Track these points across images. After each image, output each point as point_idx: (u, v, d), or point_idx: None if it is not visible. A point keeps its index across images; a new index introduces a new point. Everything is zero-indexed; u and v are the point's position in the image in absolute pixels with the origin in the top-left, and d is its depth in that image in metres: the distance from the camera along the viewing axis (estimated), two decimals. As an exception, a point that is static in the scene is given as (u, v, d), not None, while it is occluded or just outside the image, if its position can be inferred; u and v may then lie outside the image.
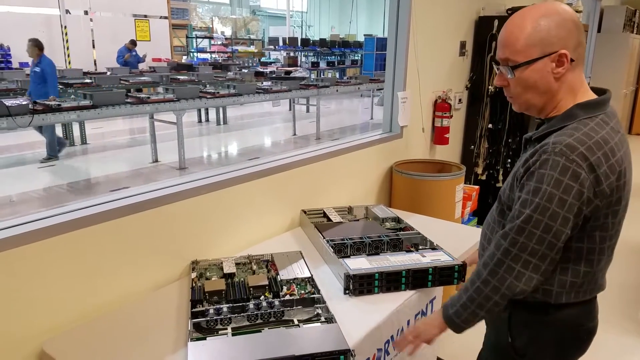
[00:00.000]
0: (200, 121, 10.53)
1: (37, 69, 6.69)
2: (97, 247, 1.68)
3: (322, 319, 1.57)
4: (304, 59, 19.01)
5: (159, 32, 15.84)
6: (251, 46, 20.65)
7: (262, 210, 2.32)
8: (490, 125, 4.10)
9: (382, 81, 9.71)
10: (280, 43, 17.85)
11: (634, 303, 3.37)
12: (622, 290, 3.52)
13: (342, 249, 1.99)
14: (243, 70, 13.63)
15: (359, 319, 1.56)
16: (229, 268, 1.87)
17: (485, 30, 3.93)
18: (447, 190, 3.08)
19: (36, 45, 6.80)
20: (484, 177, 4.22)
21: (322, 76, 15.21)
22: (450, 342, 2.80)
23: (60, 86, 7.77)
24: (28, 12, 12.77)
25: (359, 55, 19.28)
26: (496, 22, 3.83)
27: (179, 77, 9.89)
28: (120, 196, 1.82)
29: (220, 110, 10.16)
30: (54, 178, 6.29)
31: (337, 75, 17.06)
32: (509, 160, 4.04)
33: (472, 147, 4.22)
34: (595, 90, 1.25)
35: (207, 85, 8.32)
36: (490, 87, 3.96)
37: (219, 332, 1.48)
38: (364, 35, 18.85)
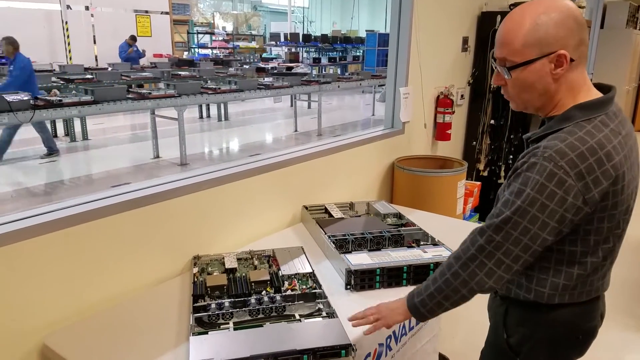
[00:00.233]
0: (201, 117, 10.52)
1: (12, 68, 6.52)
2: (98, 242, 1.68)
3: (324, 313, 1.57)
4: (305, 54, 18.97)
5: (160, 28, 15.80)
6: (252, 42, 20.61)
7: (263, 205, 2.32)
8: (492, 122, 4.10)
9: (383, 77, 9.70)
10: (282, 39, 17.82)
11: (635, 299, 3.37)
12: (624, 286, 3.52)
13: (343, 245, 1.99)
14: (244, 66, 13.60)
15: (360, 314, 1.55)
16: (230, 263, 1.87)
17: (488, 26, 3.91)
18: (449, 187, 3.08)
19: (10, 44, 6.56)
20: (485, 174, 4.22)
21: (323, 72, 15.20)
22: (451, 338, 2.80)
23: (62, 82, 7.78)
24: (29, 7, 12.76)
25: (361, 51, 19.24)
26: (499, 18, 3.82)
27: (180, 72, 9.88)
28: (121, 191, 1.82)
29: (222, 106, 10.15)
30: (55, 174, 6.29)
31: (339, 71, 17.02)
32: (511, 157, 4.04)
33: (474, 143, 4.22)
34: (600, 86, 1.21)
35: (209, 81, 8.32)
36: (492, 83, 3.95)
37: (221, 326, 1.49)
38: (366, 30, 18.78)
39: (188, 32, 18.23)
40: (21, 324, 1.51)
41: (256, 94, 7.81)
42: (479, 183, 3.74)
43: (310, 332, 1.44)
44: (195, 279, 1.75)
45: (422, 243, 2.08)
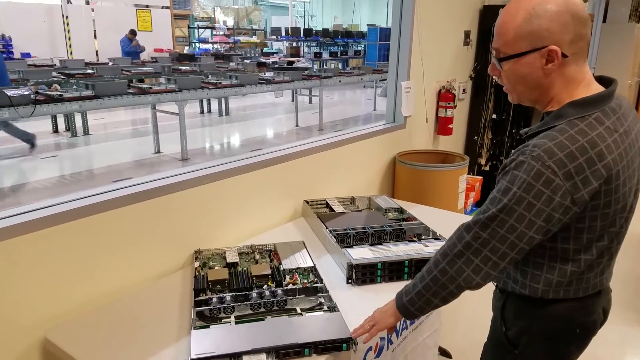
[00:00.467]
0: (202, 112, 10.51)
1: None
2: (100, 236, 1.68)
3: (325, 307, 1.57)
4: (306, 49, 18.91)
5: (160, 23, 15.77)
6: (253, 36, 20.57)
7: (264, 200, 2.32)
8: (494, 116, 4.09)
9: (385, 72, 9.66)
10: (283, 33, 17.77)
11: (637, 294, 3.36)
12: (626, 280, 3.52)
13: (344, 239, 1.99)
14: (245, 60, 13.58)
15: (361, 308, 1.55)
16: (231, 257, 1.87)
17: (490, 20, 3.90)
18: (451, 181, 3.08)
19: None
20: (487, 168, 4.21)
21: (324, 67, 15.15)
22: (452, 333, 2.81)
23: (62, 77, 7.76)
24: (29, 2, 12.73)
25: (362, 45, 19.18)
26: (501, 11, 3.80)
27: (180, 67, 9.85)
28: (122, 185, 1.82)
29: (223, 101, 10.14)
30: (56, 169, 6.30)
31: (340, 66, 16.97)
32: (513, 151, 4.03)
33: (476, 137, 4.21)
34: (602, 80, 1.20)
35: (209, 76, 8.29)
36: (495, 77, 3.94)
37: (222, 320, 1.49)
38: (367, 25, 18.72)
39: (189, 27, 18.18)
40: (23, 318, 1.52)
41: (257, 88, 7.79)
42: (480, 177, 3.73)
43: (312, 326, 1.44)
44: (197, 273, 1.75)
45: (423, 237, 2.07)
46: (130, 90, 6.28)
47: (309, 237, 2.19)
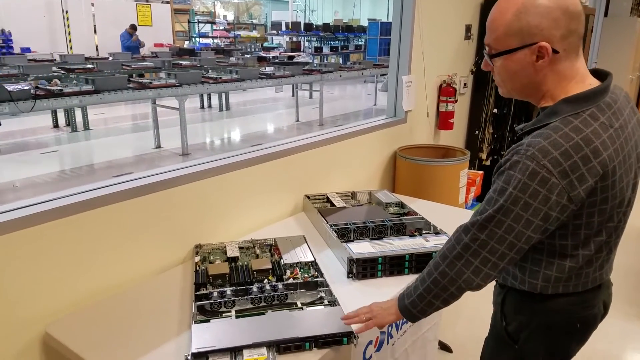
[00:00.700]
0: (202, 107, 10.50)
1: None
2: (100, 230, 1.68)
3: (326, 302, 1.57)
4: (307, 44, 18.88)
5: (160, 17, 15.73)
6: (254, 31, 20.53)
7: (265, 195, 2.31)
8: (495, 110, 4.08)
9: (386, 66, 9.65)
10: (283, 28, 17.72)
11: (637, 288, 3.37)
12: (626, 275, 3.52)
13: (345, 234, 1.99)
14: (245, 55, 13.53)
15: (362, 302, 1.55)
16: (232, 252, 1.87)
17: (491, 14, 3.87)
18: (451, 176, 3.07)
19: None
20: (488, 163, 4.21)
21: (325, 61, 15.13)
22: (452, 327, 2.81)
23: (62, 71, 7.75)
24: (29, -4, 12.70)
25: (363, 40, 19.13)
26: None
27: (181, 62, 9.82)
28: (123, 180, 1.82)
29: (223, 96, 10.12)
30: (57, 164, 6.30)
31: (341, 61, 16.95)
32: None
33: (477, 132, 4.20)
34: (598, 73, 1.19)
35: (210, 71, 8.27)
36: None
37: (223, 314, 1.49)
38: (368, 19, 18.68)
39: (189, 22, 18.15)
40: (23, 313, 1.52)
41: (257, 83, 7.78)
42: (481, 172, 3.73)
43: (312, 320, 1.44)
44: (197, 268, 1.75)
45: (424, 232, 2.07)
46: (131, 85, 6.27)
47: (309, 232, 2.19)
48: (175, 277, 1.81)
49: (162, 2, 15.78)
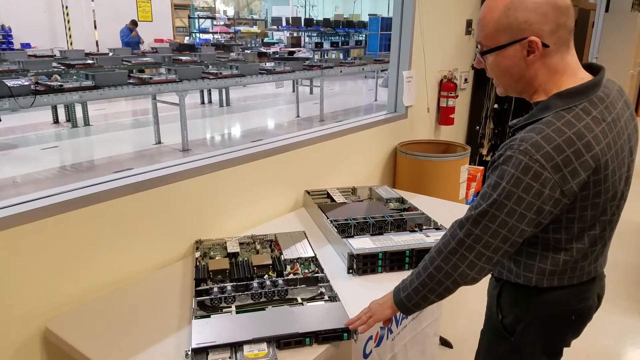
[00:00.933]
0: (202, 103, 10.49)
1: None
2: (101, 226, 1.68)
3: (326, 297, 1.57)
4: (307, 39, 18.83)
5: (160, 13, 15.70)
6: (254, 26, 20.47)
7: (265, 190, 2.31)
8: (496, 106, 4.07)
9: (386, 62, 9.62)
10: (284, 23, 17.68)
11: (636, 284, 3.37)
12: (626, 270, 3.52)
13: (345, 229, 1.99)
14: (246, 50, 13.50)
15: (362, 297, 1.55)
16: (232, 247, 1.87)
17: (492, 9, 3.86)
18: (452, 171, 3.07)
19: None
20: (489, 158, 4.20)
21: (325, 57, 15.09)
22: (453, 322, 2.82)
23: (62, 67, 7.74)
24: (29, -8, 12.66)
25: (363, 35, 19.10)
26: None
27: (181, 57, 9.81)
28: (123, 175, 1.81)
29: (223, 91, 10.11)
30: (57, 159, 6.30)
31: (341, 56, 16.91)
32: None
33: (478, 127, 4.19)
34: (590, 67, 1.20)
35: (210, 66, 8.26)
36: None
37: (223, 310, 1.49)
38: (369, 15, 18.60)
39: (189, 17, 18.11)
40: (23, 308, 1.52)
41: (258, 79, 7.77)
42: (482, 168, 3.72)
43: (313, 316, 1.44)
44: (198, 263, 1.75)
45: (424, 227, 2.07)
46: (131, 81, 6.27)
47: (309, 227, 2.19)
48: (175, 272, 1.81)
49: (162, -2, 15.72)
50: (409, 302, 1.30)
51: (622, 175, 1.18)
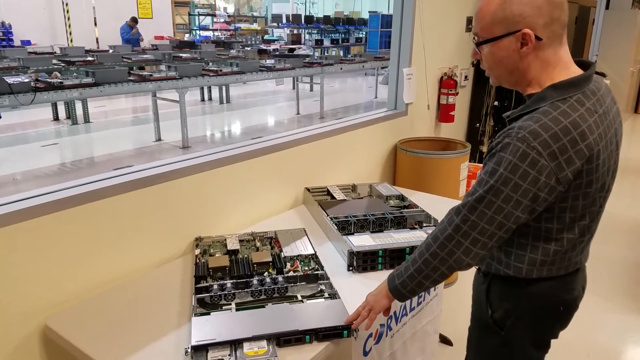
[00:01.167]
0: (203, 100, 10.48)
1: None
2: (100, 223, 1.68)
3: (326, 294, 1.57)
4: (307, 36, 18.81)
5: (160, 10, 15.68)
6: (254, 24, 20.45)
7: (265, 187, 2.31)
8: (496, 103, 4.06)
9: (386, 59, 9.61)
10: (284, 20, 17.65)
11: (637, 282, 3.37)
12: (625, 268, 3.52)
13: (345, 227, 1.98)
14: (246, 48, 13.49)
15: (362, 295, 1.55)
16: (232, 245, 1.87)
17: (492, 6, 3.85)
18: (452, 168, 3.07)
19: None
20: (488, 156, 4.19)
21: (325, 54, 15.08)
22: (453, 320, 2.81)
23: (62, 64, 7.73)
24: (29, -11, 12.64)
25: (364, 32, 19.06)
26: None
27: (181, 55, 9.80)
28: (123, 172, 1.81)
29: (223, 88, 10.10)
30: (57, 156, 6.29)
31: (341, 53, 16.90)
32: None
33: (478, 125, 4.19)
34: (582, 63, 1.23)
35: (210, 63, 8.25)
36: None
37: (223, 307, 1.49)
38: (369, 12, 18.59)
39: (189, 14, 18.08)
40: (22, 306, 1.52)
41: (258, 76, 7.76)
42: (482, 165, 3.72)
43: (313, 313, 1.44)
44: (198, 260, 1.75)
45: (424, 225, 2.07)
46: (131, 78, 6.26)
47: (309, 225, 2.18)
48: (175, 269, 1.80)
49: (162, -6, 15.70)
50: (404, 288, 1.31)
51: (610, 167, 1.21)
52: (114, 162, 5.96)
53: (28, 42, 12.27)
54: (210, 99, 10.57)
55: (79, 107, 7.96)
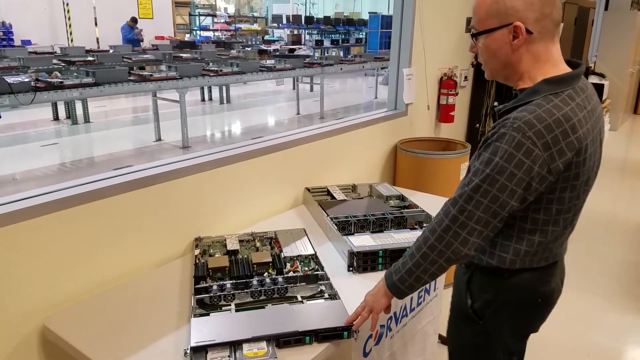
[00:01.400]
0: (203, 100, 10.48)
1: None
2: (99, 223, 1.67)
3: (326, 295, 1.56)
4: (307, 37, 18.82)
5: (161, 10, 15.69)
6: (254, 24, 20.45)
7: (265, 187, 2.31)
8: (496, 104, 4.05)
9: (386, 59, 9.61)
10: (284, 21, 17.66)
11: (635, 282, 3.36)
12: (624, 268, 3.52)
13: (346, 227, 1.98)
14: (246, 48, 13.49)
15: (362, 295, 1.55)
16: (232, 245, 1.86)
17: (493, 6, 3.85)
18: (452, 169, 3.06)
19: None
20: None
21: (326, 54, 15.08)
22: (453, 320, 2.81)
23: (63, 64, 7.73)
24: (29, -12, 12.64)
25: (364, 33, 19.06)
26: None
27: (181, 55, 9.80)
28: (122, 172, 1.81)
29: (224, 89, 10.10)
30: (57, 156, 6.29)
31: (341, 54, 16.90)
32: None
33: (478, 125, 4.18)
34: (570, 63, 1.27)
35: (210, 63, 8.25)
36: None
37: (222, 308, 1.48)
38: (369, 12, 18.59)
39: (190, 14, 18.08)
40: (21, 306, 1.51)
41: (258, 76, 7.77)
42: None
43: (313, 314, 1.44)
44: (197, 261, 1.75)
45: (424, 225, 2.06)
46: (131, 78, 6.26)
47: (310, 225, 2.18)
48: (174, 270, 1.80)
49: (163, -5, 15.70)
50: (402, 284, 1.31)
51: (594, 163, 1.26)
52: (114, 162, 5.95)
53: (28, 42, 12.27)
54: (210, 99, 10.57)
55: (79, 107, 7.96)
